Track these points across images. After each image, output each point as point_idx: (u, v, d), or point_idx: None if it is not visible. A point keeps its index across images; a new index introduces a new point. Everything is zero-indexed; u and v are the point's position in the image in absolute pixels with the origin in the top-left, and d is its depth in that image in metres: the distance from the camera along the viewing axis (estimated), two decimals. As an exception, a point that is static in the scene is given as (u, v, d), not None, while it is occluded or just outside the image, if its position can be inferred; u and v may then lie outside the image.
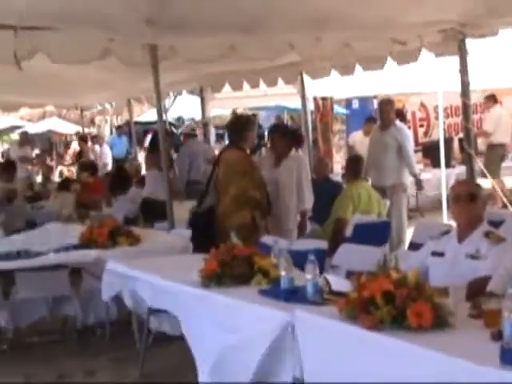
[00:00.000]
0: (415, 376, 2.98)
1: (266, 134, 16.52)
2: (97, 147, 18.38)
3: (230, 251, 4.62)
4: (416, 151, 11.12)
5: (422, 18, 6.83)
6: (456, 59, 7.57)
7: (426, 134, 15.82)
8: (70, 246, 6.32)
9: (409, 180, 9.15)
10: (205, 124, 13.40)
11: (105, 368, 5.86)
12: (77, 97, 12.89)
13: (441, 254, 4.50)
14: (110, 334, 6.44)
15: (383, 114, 9.27)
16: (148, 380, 5.59)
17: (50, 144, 26.90)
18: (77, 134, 23.19)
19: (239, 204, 6.80)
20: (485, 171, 8.83)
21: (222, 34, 6.72)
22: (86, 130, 21.20)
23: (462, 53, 7.49)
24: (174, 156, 11.86)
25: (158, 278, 4.94)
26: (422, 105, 15.75)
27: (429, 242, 4.72)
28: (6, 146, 28.39)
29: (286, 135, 7.93)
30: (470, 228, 4.44)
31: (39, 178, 14.98)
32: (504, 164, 12.83)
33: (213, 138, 18.21)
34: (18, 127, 25.76)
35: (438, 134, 12.48)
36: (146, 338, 5.62)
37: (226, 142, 13.47)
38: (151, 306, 5.18)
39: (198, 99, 13.00)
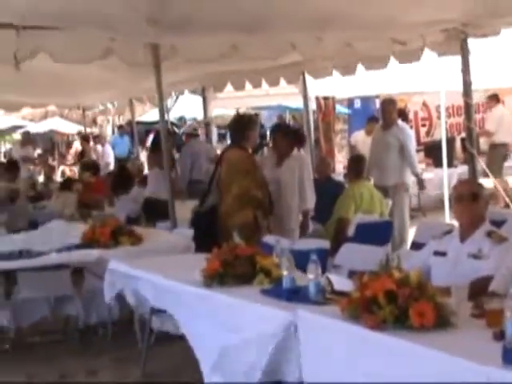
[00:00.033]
0: (417, 376, 2.98)
1: (268, 133, 16.45)
2: (99, 147, 18.40)
3: (232, 251, 4.62)
4: (418, 151, 11.13)
5: (424, 17, 6.82)
6: (458, 59, 7.57)
7: (428, 133, 15.81)
8: (72, 246, 6.32)
9: (411, 180, 9.15)
10: (207, 124, 13.40)
11: (107, 368, 5.86)
12: (79, 96, 12.90)
13: (443, 254, 4.50)
14: (112, 333, 6.44)
15: (385, 114, 9.28)
16: (150, 380, 5.59)
17: (52, 144, 26.90)
18: (79, 133, 23.21)
19: (241, 203, 6.80)
20: (487, 171, 8.83)
21: (223, 33, 6.72)
22: (88, 130, 21.22)
23: (464, 52, 7.49)
24: (176, 156, 11.87)
25: (160, 277, 4.93)
26: (424, 104, 15.75)
27: (431, 241, 4.71)
28: (8, 146, 28.42)
29: (288, 135, 7.93)
30: (472, 228, 4.43)
31: (41, 178, 14.98)
32: (506, 163, 12.83)
33: (215, 137, 18.18)
34: (20, 127, 25.76)
35: (440, 134, 12.47)
36: (148, 337, 5.63)
37: (228, 141, 13.47)
38: (153, 306, 5.18)
39: (200, 99, 13.00)
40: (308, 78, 10.35)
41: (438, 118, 14.31)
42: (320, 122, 14.86)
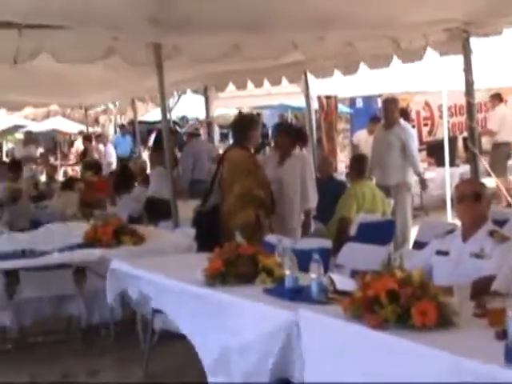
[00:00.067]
0: (419, 375, 2.98)
1: (270, 132, 16.53)
2: (101, 146, 18.40)
3: (235, 250, 4.62)
4: (420, 150, 11.12)
5: (425, 17, 6.83)
6: (460, 58, 7.57)
7: (430, 132, 15.81)
8: (74, 245, 6.32)
9: (413, 179, 9.15)
10: (209, 123, 13.41)
11: (109, 368, 5.86)
12: (81, 96, 12.90)
13: (445, 253, 4.49)
14: (115, 333, 6.43)
15: (387, 113, 9.26)
16: (152, 380, 5.59)
17: (54, 143, 26.95)
18: (81, 133, 23.23)
19: (243, 203, 6.80)
20: (489, 170, 8.82)
21: (225, 33, 6.72)
22: (90, 130, 21.25)
23: (467, 52, 7.49)
24: (178, 155, 11.86)
25: (162, 277, 4.93)
26: (427, 104, 15.75)
27: (433, 240, 4.71)
28: (10, 146, 28.42)
29: (290, 134, 7.93)
30: (475, 227, 4.43)
31: (43, 178, 14.98)
32: (510, 163, 12.83)
33: (217, 137, 18.18)
34: (22, 126, 25.77)
35: (443, 133, 12.45)
36: (150, 337, 5.63)
37: (230, 141, 13.47)
38: (155, 306, 5.18)
39: (202, 98, 13.01)
40: (310, 77, 10.35)
41: (440, 117, 14.28)
42: (322, 121, 14.83)
